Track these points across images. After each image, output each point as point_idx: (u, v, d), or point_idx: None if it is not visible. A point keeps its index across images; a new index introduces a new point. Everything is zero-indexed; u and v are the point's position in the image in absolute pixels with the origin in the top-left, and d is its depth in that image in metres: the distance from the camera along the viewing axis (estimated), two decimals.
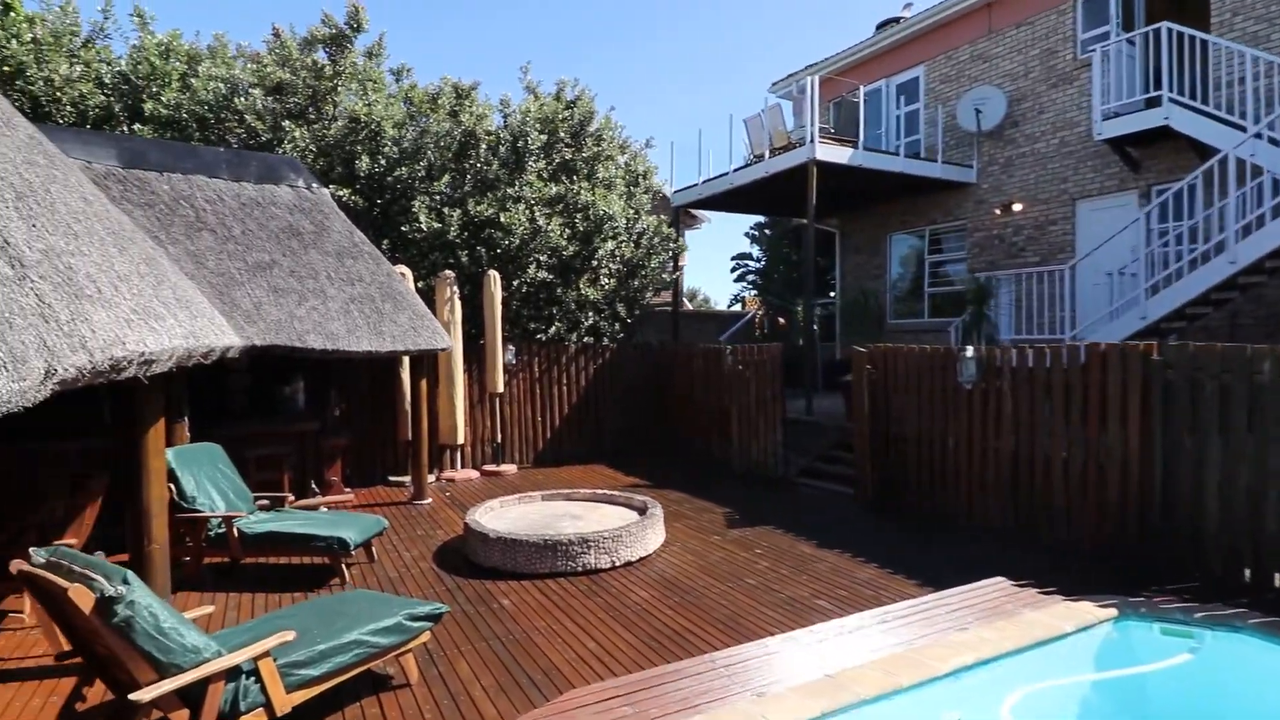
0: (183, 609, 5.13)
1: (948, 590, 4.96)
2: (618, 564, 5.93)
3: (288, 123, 9.17)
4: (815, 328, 12.48)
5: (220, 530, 5.64)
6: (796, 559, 6.12)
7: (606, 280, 11.76)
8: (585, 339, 11.60)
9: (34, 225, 2.57)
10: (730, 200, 14.52)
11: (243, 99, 8.99)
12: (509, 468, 10.40)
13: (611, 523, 6.51)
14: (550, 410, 11.17)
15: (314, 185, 8.29)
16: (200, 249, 6.83)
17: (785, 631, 4.50)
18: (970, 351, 6.84)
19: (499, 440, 10.55)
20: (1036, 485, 6.38)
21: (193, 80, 9.15)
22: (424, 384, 8.46)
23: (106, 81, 8.87)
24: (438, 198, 10.16)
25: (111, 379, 2.70)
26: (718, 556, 6.24)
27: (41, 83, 8.05)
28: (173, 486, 5.52)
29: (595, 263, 11.50)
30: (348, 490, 8.68)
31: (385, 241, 9.78)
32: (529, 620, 4.86)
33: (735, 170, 13.13)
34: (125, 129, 8.71)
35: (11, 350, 1.97)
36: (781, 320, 20.41)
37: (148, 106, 8.67)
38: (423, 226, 9.67)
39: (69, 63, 8.31)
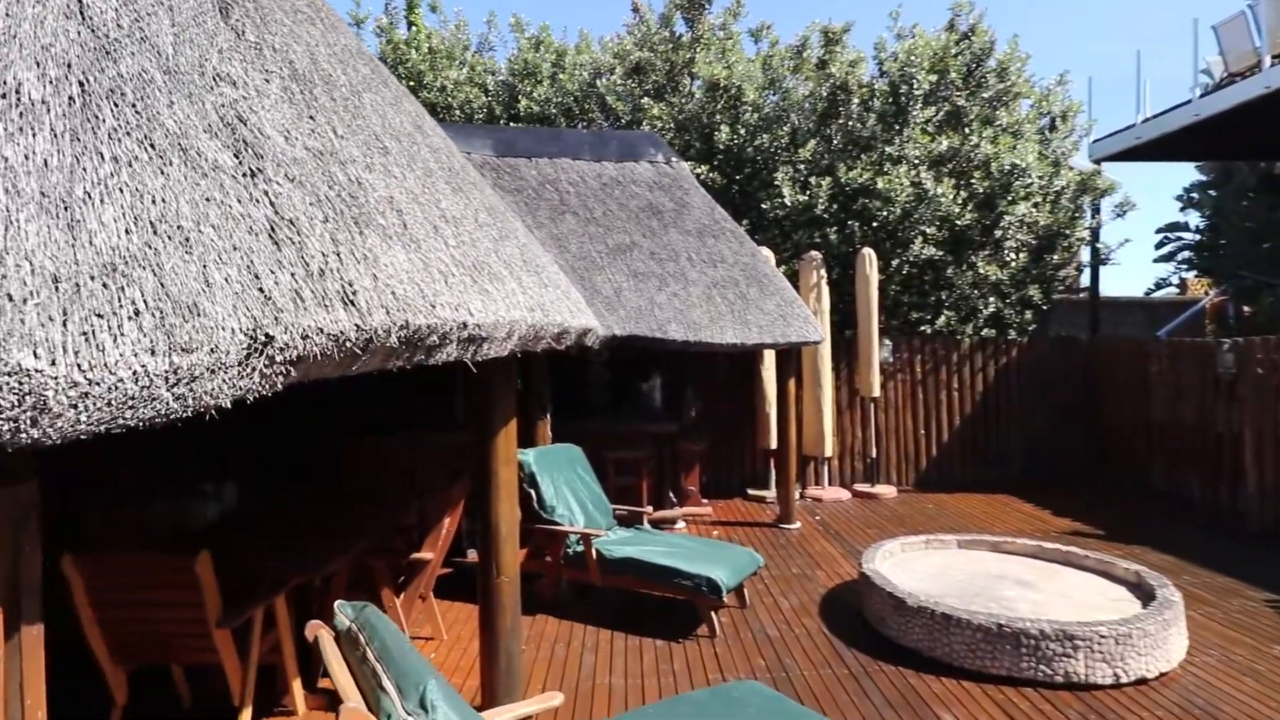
0: (538, 643, 4.39)
1: None
2: (1124, 679, 3.71)
3: (646, 100, 8.58)
4: None
5: (578, 548, 4.86)
6: None
7: (1013, 255, 9.09)
8: (984, 331, 9.10)
9: (310, 117, 1.69)
10: (1181, 143, 10.50)
11: (604, 80, 8.65)
12: (886, 490, 8.48)
13: (1092, 602, 4.26)
14: (936, 420, 8.95)
15: (673, 159, 7.45)
16: (563, 232, 6.33)
17: None
18: None
19: (874, 455, 8.69)
20: None
21: (560, 75, 9.09)
22: (792, 384, 7.04)
23: (489, 88, 9.29)
24: (803, 167, 8.70)
25: (414, 361, 1.66)
26: None
27: (436, 90, 8.69)
28: (533, 492, 4.90)
29: (999, 233, 8.95)
30: (705, 502, 7.69)
31: (745, 221, 8.66)
32: None
33: (1201, 96, 9.33)
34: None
35: (171, 292, 0.94)
36: (1246, 308, 14.83)
37: (522, 104, 8.80)
38: (786, 200, 8.30)
39: (458, 69, 8.82)
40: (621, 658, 4.14)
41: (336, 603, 2.11)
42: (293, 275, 1.20)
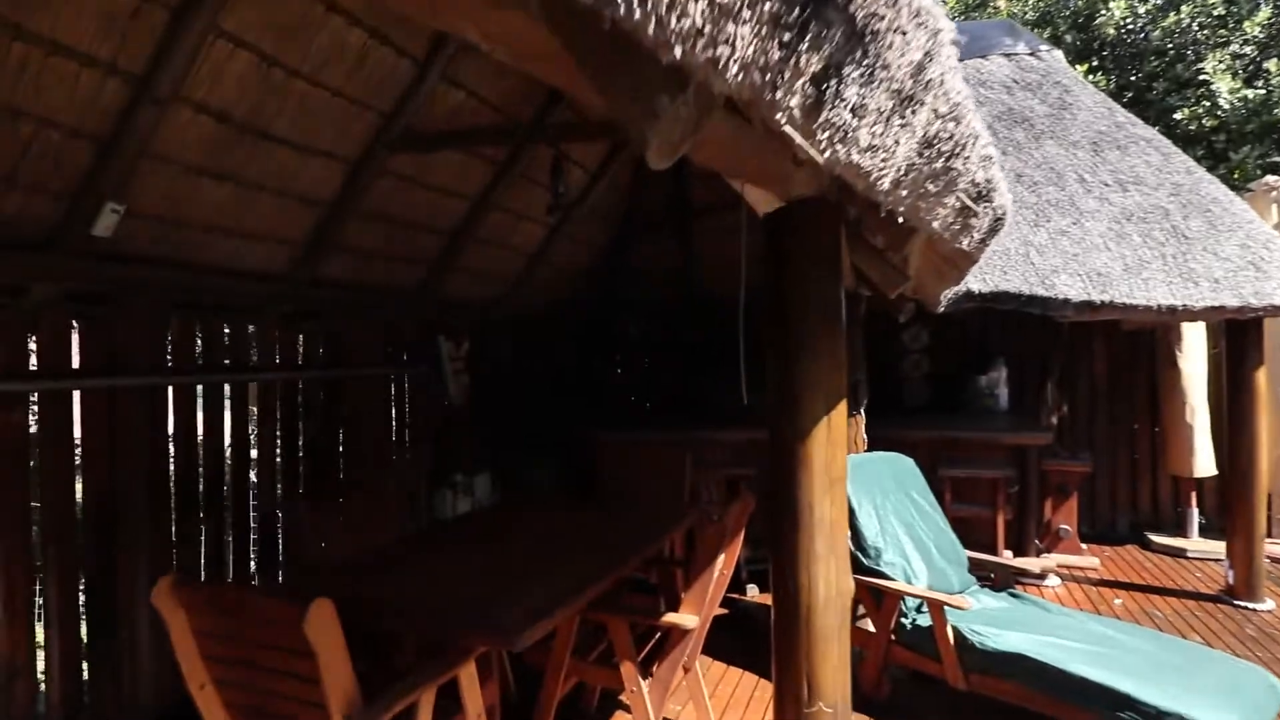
0: None
1: None
2: None
3: None
4: None
5: (920, 620, 3.08)
6: None
7: None
8: None
9: None
10: None
11: None
12: None
13: None
14: None
15: (1040, 49, 5.19)
16: None
17: None
18: None
19: None
20: None
21: None
22: (1259, 376, 4.38)
23: None
24: (1250, 49, 5.75)
25: None
26: None
27: None
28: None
29: None
30: (1084, 549, 5.28)
31: None
32: None
33: None
34: None
35: None
36: None
37: None
38: (1221, 101, 5.47)
39: None
40: None
41: None
42: None
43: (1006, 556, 4.56)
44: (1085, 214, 4.12)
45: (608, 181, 5.72)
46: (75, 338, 2.76)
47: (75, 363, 2.75)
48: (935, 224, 1.23)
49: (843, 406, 1.77)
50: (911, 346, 6.41)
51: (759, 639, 4.06)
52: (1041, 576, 4.74)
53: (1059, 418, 5.86)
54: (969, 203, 1.20)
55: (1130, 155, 4.45)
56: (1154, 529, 5.82)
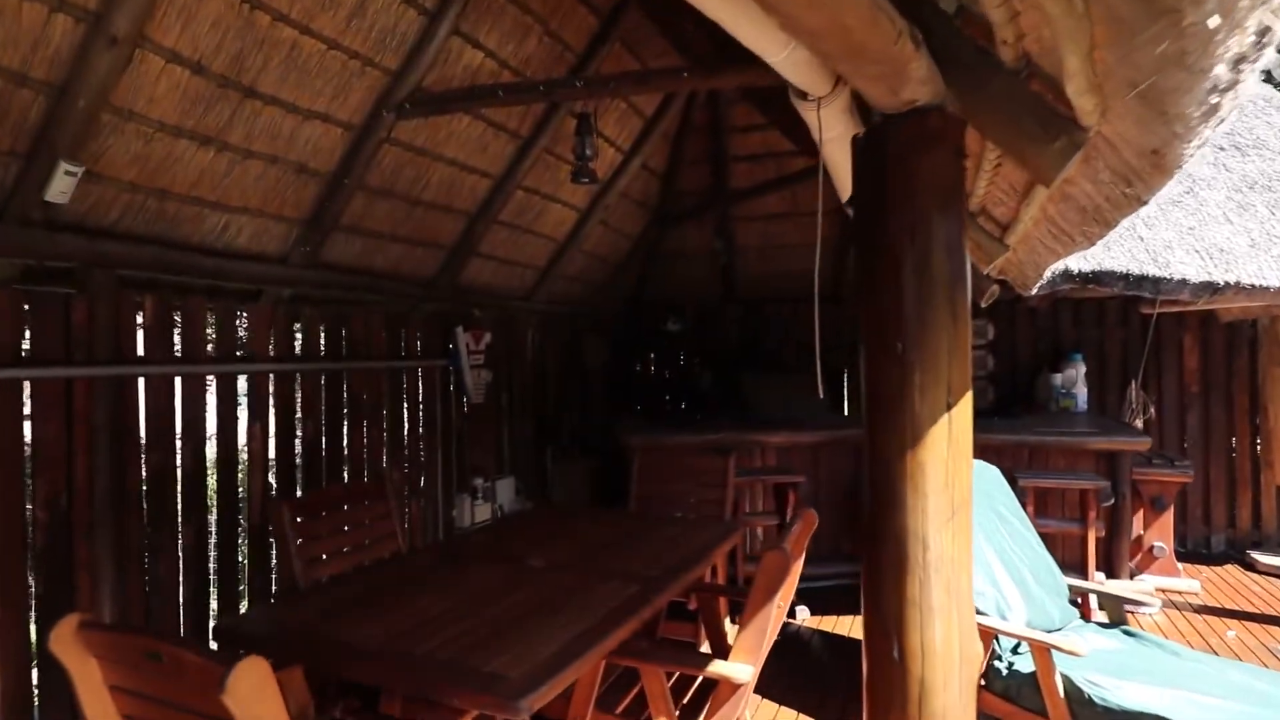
0: None
1: None
2: None
3: None
4: None
5: (1018, 664, 2.55)
6: None
7: None
8: None
9: None
10: None
11: None
12: None
13: None
14: None
15: None
16: None
17: None
18: None
19: None
20: None
21: None
22: None
23: None
24: None
25: None
26: None
27: None
28: None
29: None
30: (1179, 569, 4.66)
31: None
32: None
33: None
34: None
35: None
36: None
37: None
38: None
39: None
40: None
41: None
42: None
43: (1099, 579, 3.98)
44: (1199, 181, 3.53)
45: (641, 163, 5.27)
46: (27, 320, 2.39)
47: (26, 348, 2.39)
48: (1189, 98, 0.73)
49: (968, 401, 1.28)
50: (974, 341, 5.82)
51: (812, 669, 3.58)
52: (1137, 600, 4.13)
53: (1145, 420, 5.23)
54: (1252, 50, 0.69)
55: (1247, 115, 3.84)
56: (1257, 547, 5.15)
